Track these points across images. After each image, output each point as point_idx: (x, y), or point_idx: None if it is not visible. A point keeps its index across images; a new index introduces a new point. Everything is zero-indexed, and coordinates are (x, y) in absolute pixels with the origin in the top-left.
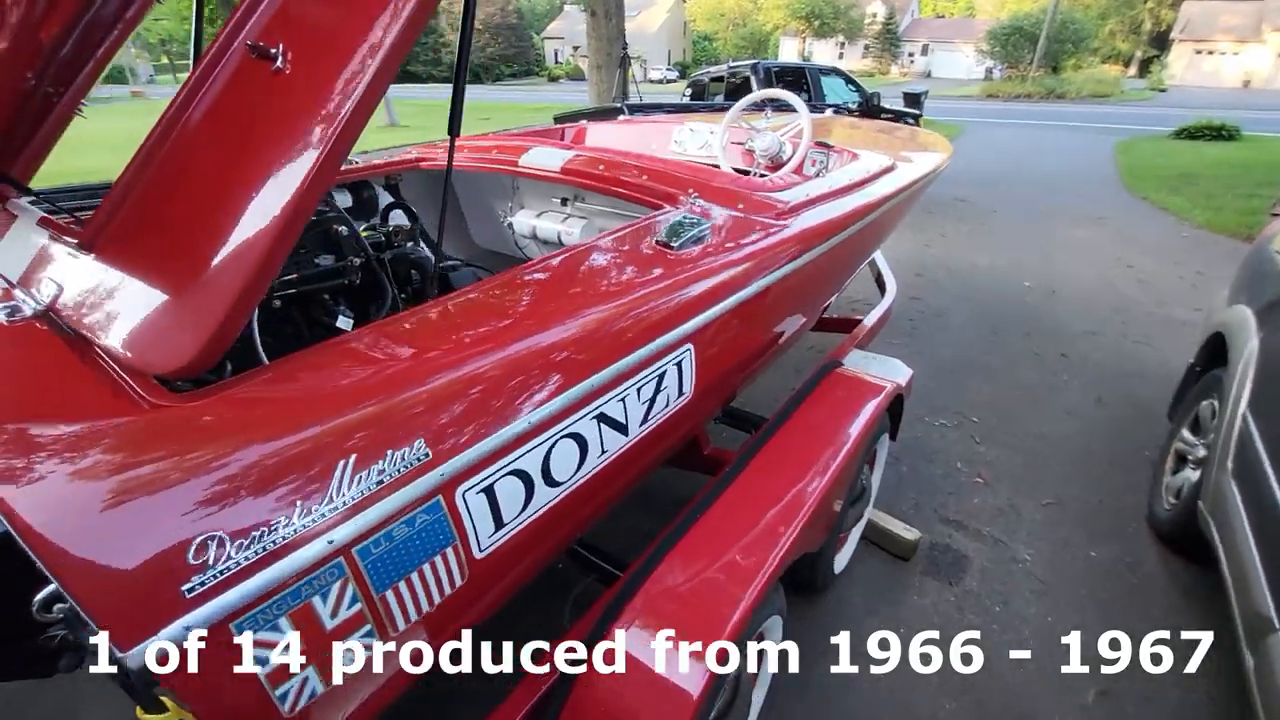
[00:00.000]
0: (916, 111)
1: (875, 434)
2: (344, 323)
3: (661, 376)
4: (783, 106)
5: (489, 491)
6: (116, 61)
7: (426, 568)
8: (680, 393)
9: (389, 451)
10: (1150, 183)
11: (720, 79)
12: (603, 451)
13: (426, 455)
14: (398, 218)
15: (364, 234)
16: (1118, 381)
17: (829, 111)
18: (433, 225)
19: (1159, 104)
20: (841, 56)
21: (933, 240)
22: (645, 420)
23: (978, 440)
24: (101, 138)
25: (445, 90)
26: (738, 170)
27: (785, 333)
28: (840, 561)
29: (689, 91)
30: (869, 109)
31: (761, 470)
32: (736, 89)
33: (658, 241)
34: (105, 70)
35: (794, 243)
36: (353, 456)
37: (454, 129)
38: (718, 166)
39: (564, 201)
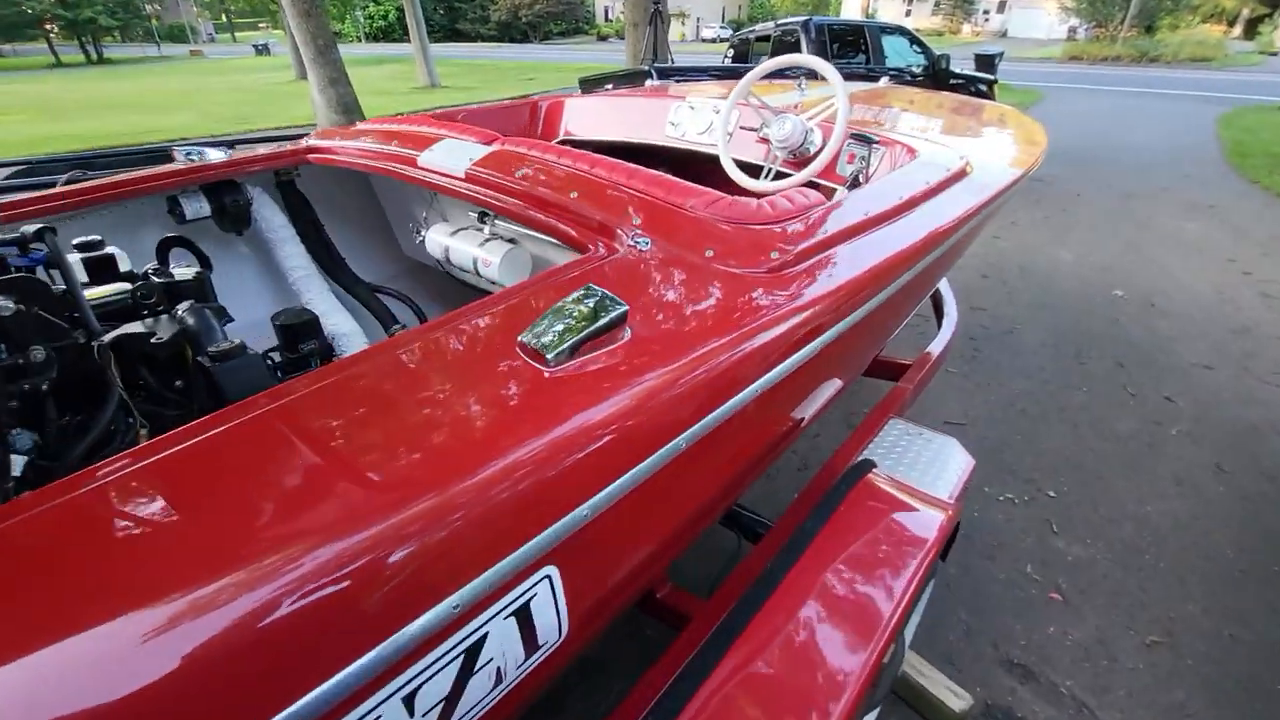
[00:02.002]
0: (990, 76)
1: (922, 587)
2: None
3: (480, 645)
4: (813, 77)
5: None
6: (178, 20)
7: None
8: (552, 636)
9: None
10: (1262, 163)
11: (766, 38)
12: None
13: None
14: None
15: (105, 295)
16: (1243, 439)
17: (884, 80)
18: (324, 241)
19: (1269, 70)
20: (909, 14)
21: (1002, 229)
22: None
23: (1055, 527)
24: (134, 98)
25: (493, 50)
26: (742, 165)
27: (761, 456)
28: None
29: (730, 53)
30: (935, 74)
31: (757, 653)
32: (784, 50)
33: (526, 347)
34: None
35: (795, 318)
36: None
37: None
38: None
39: (481, 218)
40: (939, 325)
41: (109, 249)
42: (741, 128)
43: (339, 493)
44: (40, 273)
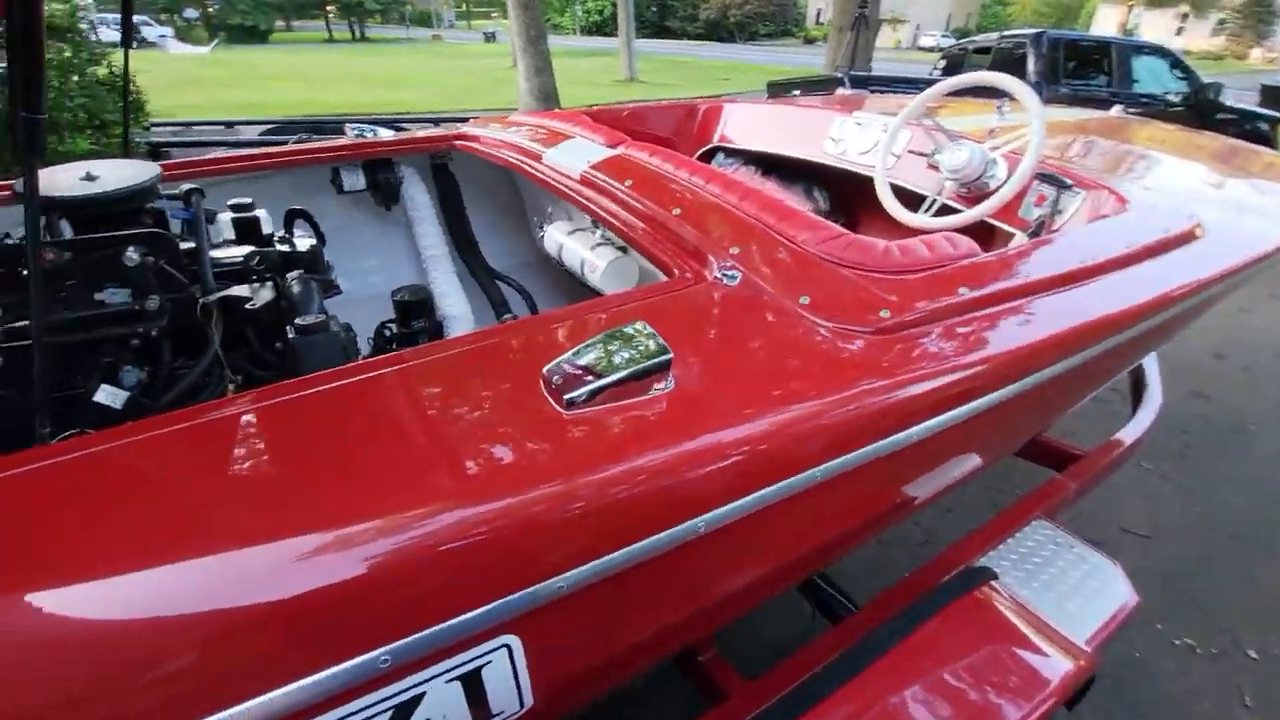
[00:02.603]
0: (1275, 114)
1: None
2: (106, 395)
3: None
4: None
5: None
6: (427, 5)
7: None
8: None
9: None
10: None
11: (985, 50)
12: None
13: None
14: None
15: (232, 256)
16: None
17: (1117, 109)
18: (456, 227)
19: None
20: (1180, 32)
21: (1256, 301)
22: None
23: (1247, 699)
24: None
25: (697, 48)
26: (904, 194)
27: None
28: None
29: (942, 65)
30: (1198, 105)
31: None
32: (1006, 65)
33: (548, 381)
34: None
35: (893, 393)
36: None
37: None
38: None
39: (596, 221)
40: (1134, 409)
41: (256, 212)
42: (910, 151)
43: (283, 498)
44: (203, 226)
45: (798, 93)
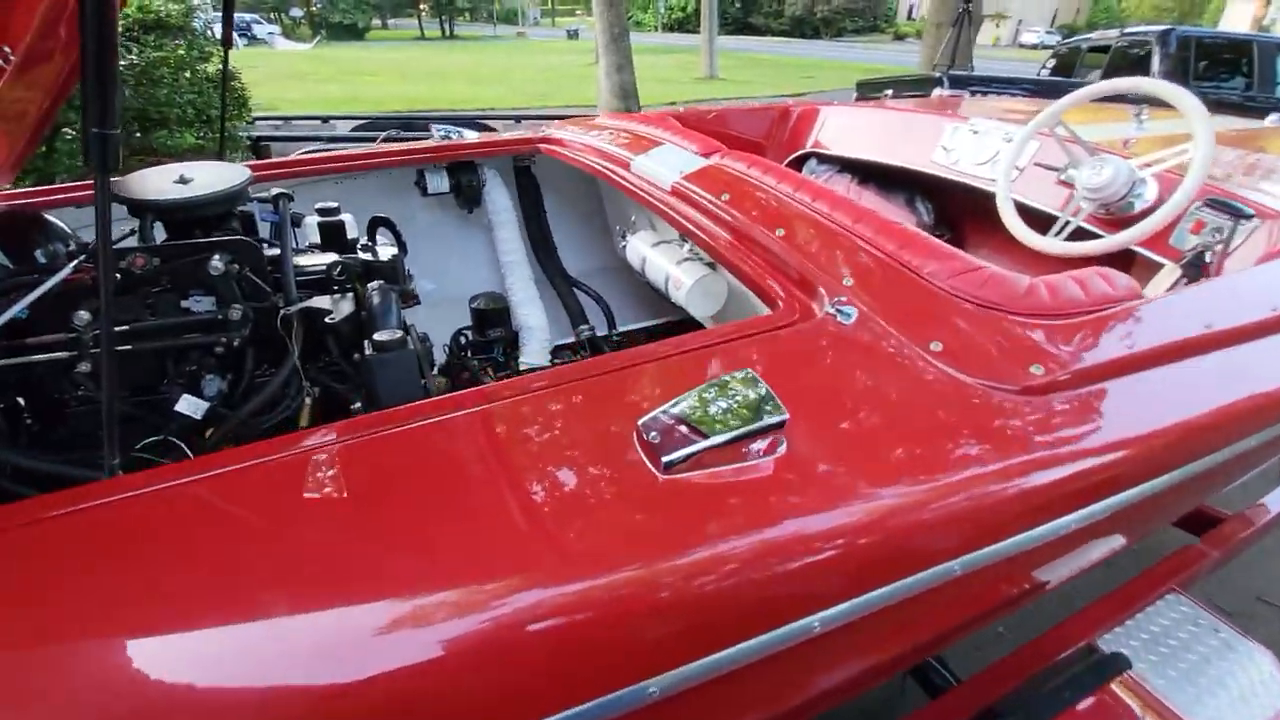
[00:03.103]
0: None
1: None
2: (188, 405)
3: None
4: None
5: None
6: (510, 3)
7: None
8: None
9: None
10: None
11: (1103, 49)
12: None
13: None
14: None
15: (315, 264)
16: None
17: (1272, 118)
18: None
19: None
20: None
21: None
22: None
23: None
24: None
25: (781, 45)
26: (1024, 210)
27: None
28: None
29: (1051, 64)
30: None
31: None
32: (1127, 67)
33: (643, 436)
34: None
35: (1052, 469)
36: None
37: None
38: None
39: (683, 238)
40: None
41: (342, 216)
42: (1036, 164)
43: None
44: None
45: (889, 93)
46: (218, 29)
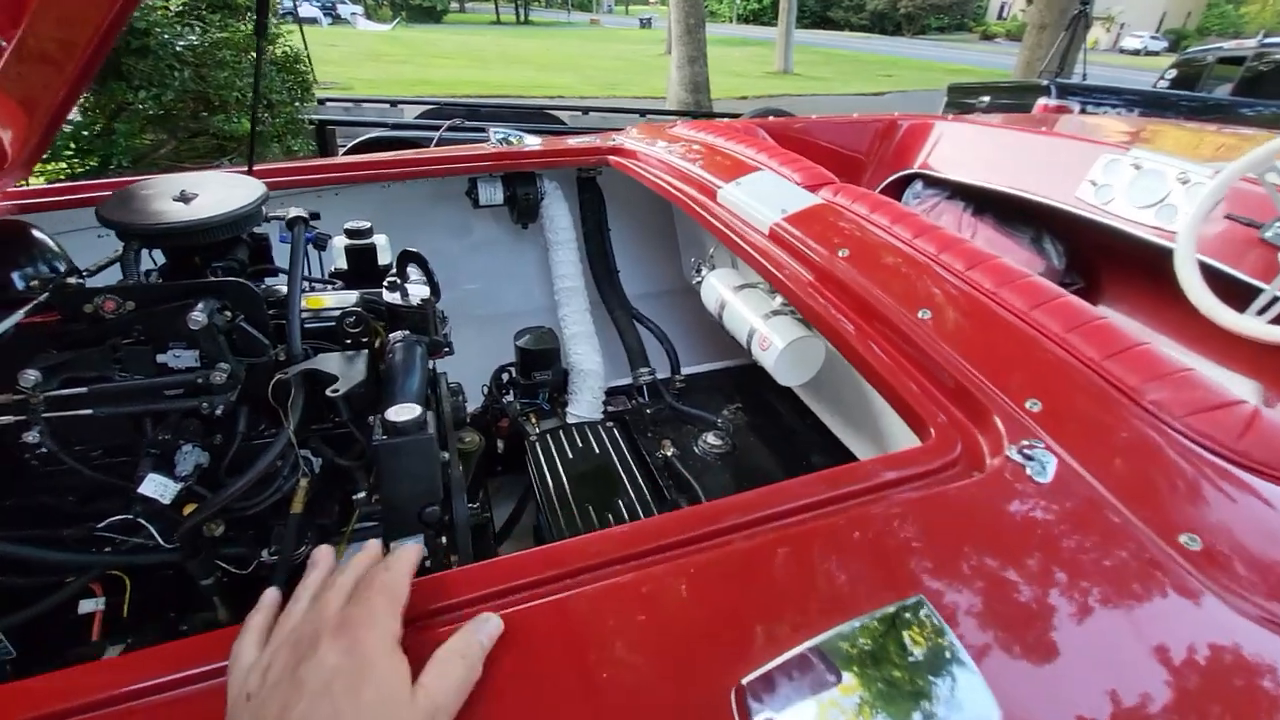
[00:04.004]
0: None
1: None
2: (153, 486)
3: None
4: None
5: None
6: None
7: None
8: None
9: None
10: None
11: (1236, 60)
12: None
13: None
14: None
15: (326, 306)
16: None
17: None
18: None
19: None
20: None
21: None
22: None
23: None
24: (537, 55)
25: (859, 40)
26: (1212, 272)
27: None
28: None
29: (1172, 74)
30: None
31: None
32: (1261, 80)
33: (743, 700)
34: None
35: None
36: None
37: None
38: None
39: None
40: None
41: (375, 238)
42: (1227, 217)
43: None
44: (312, 252)
45: (986, 100)
46: (306, 9)
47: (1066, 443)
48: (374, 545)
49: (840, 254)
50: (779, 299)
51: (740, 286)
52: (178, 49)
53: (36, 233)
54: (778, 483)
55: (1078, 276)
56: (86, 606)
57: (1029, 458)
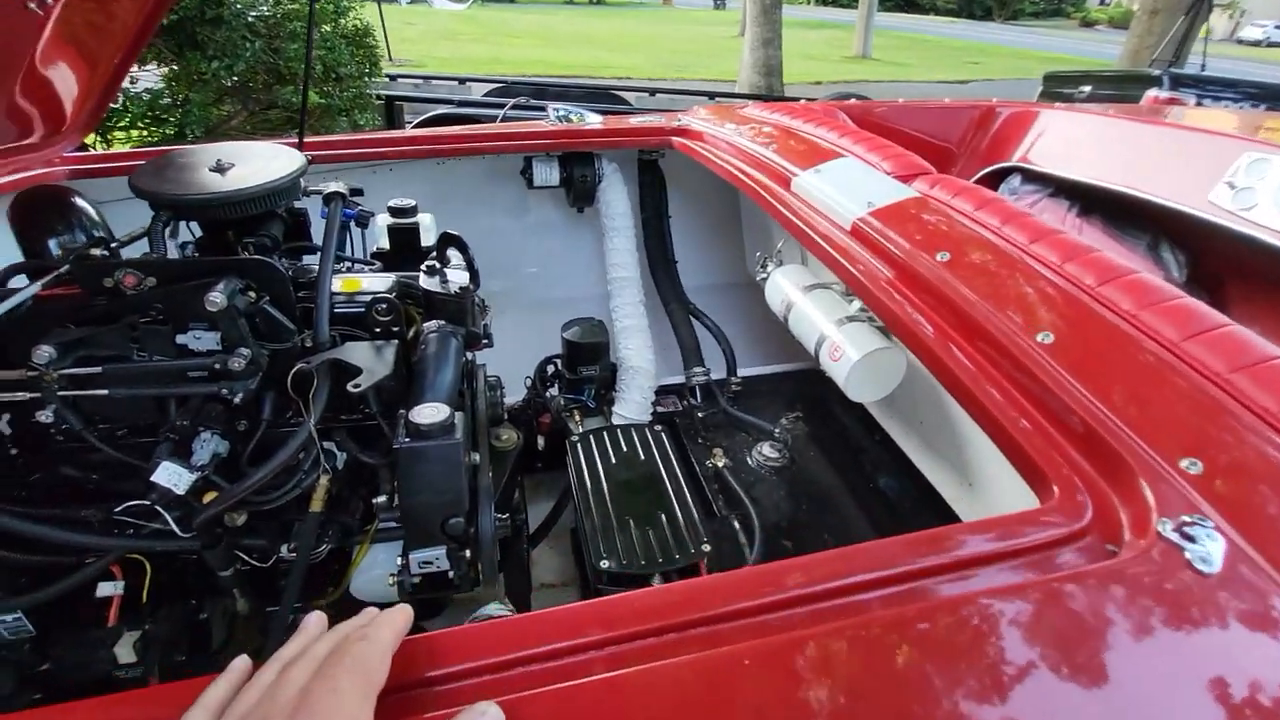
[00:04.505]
0: None
1: None
2: (167, 475)
3: None
4: None
5: None
6: None
7: None
8: None
9: None
10: None
11: None
12: None
13: None
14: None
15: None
16: None
17: None
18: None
19: None
20: None
21: None
22: None
23: None
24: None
25: (945, 25)
26: None
27: None
28: None
29: None
30: None
31: None
32: None
33: None
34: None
35: None
36: None
37: None
38: None
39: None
40: None
41: (419, 217)
42: None
43: None
44: (354, 230)
45: (1086, 90)
46: None
47: (1238, 520)
48: (369, 611)
49: (939, 257)
50: (856, 304)
51: (811, 286)
52: (250, 19)
53: (79, 200)
54: (850, 546)
55: (1200, 291)
56: (105, 590)
57: (1189, 537)
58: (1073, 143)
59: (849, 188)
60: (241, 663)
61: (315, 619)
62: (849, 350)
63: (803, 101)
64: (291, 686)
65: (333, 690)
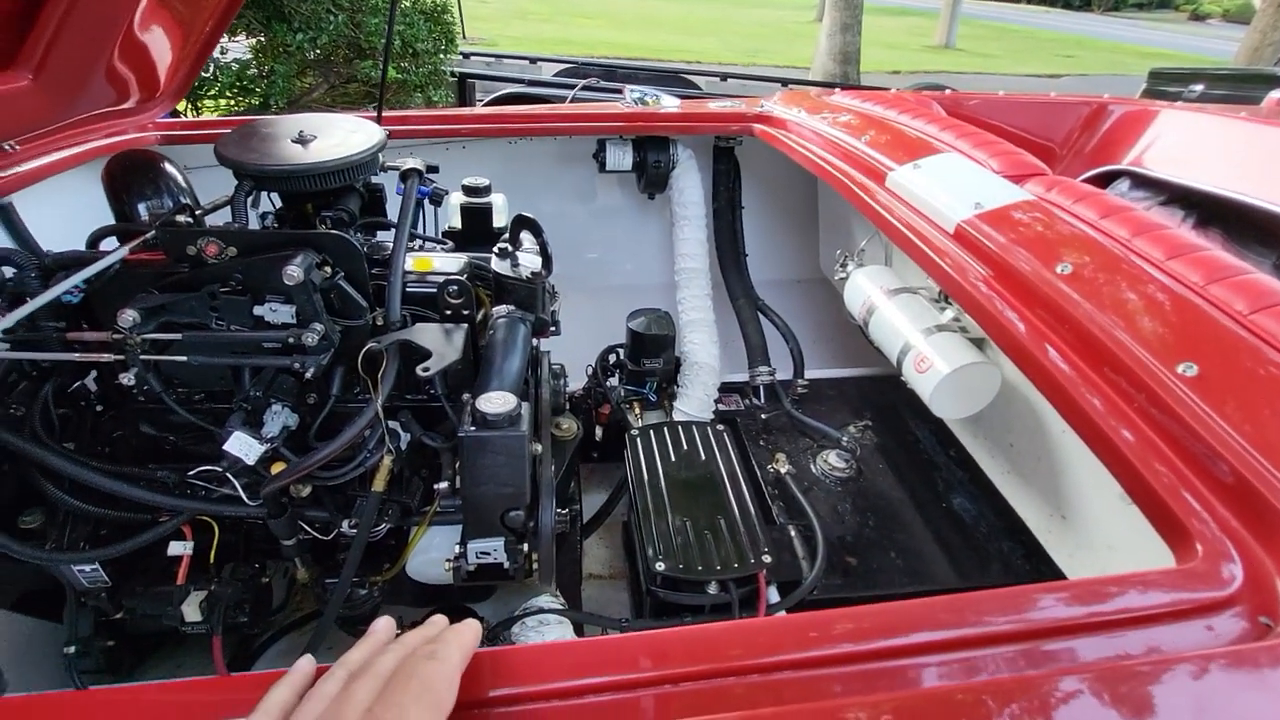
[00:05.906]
0: None
1: None
2: (238, 445)
3: None
4: None
5: None
6: None
7: None
8: None
9: None
10: None
11: None
12: None
13: None
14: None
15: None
16: None
17: None
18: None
19: None
20: None
21: None
22: None
23: None
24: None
25: (1038, 15)
26: None
27: None
28: None
29: None
30: None
31: None
32: None
33: None
34: None
35: None
36: None
37: None
38: None
39: (946, 298)
40: None
41: (491, 197)
42: None
43: None
44: (427, 207)
45: (1198, 89)
46: None
47: None
48: (437, 621)
49: (1059, 269)
50: (949, 313)
51: (896, 290)
52: None
53: (168, 166)
54: (943, 595)
55: None
56: (175, 549)
57: None
58: (1195, 146)
59: (953, 186)
60: (306, 664)
61: (384, 625)
62: (938, 363)
63: (894, 90)
64: (357, 706)
65: (399, 715)
